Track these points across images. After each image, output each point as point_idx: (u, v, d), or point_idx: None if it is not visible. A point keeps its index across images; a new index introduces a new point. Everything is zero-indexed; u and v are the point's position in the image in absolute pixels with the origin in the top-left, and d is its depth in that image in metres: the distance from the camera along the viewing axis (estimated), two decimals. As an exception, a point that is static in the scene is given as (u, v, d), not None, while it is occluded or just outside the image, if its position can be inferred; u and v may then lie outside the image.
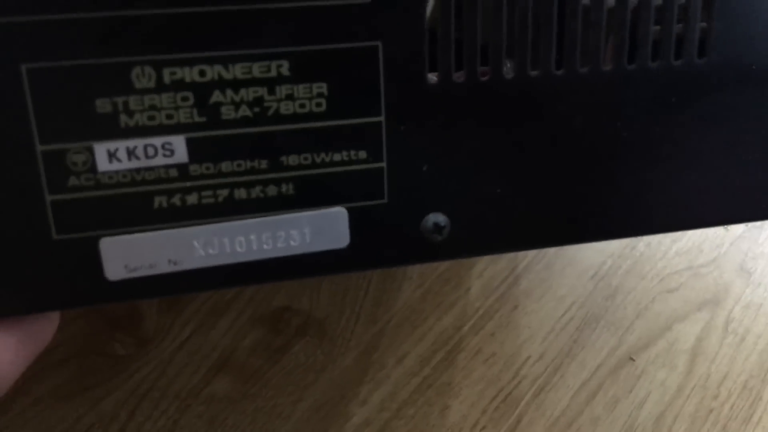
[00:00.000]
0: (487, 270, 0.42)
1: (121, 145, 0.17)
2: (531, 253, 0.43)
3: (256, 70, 0.17)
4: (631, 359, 0.42)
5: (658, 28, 0.19)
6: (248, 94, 0.17)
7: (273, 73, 0.17)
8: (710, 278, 0.45)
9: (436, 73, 0.18)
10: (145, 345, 0.36)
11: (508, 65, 0.19)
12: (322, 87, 0.17)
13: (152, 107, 0.17)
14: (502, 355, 0.41)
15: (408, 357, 0.39)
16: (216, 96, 0.17)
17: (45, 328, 0.19)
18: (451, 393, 0.40)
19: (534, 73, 0.19)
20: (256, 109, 0.17)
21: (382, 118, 0.18)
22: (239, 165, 0.18)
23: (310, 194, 0.18)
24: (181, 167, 0.17)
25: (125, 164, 0.17)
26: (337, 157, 0.18)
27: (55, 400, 0.35)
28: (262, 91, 0.17)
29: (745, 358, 0.44)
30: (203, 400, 0.36)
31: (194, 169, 0.17)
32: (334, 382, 0.38)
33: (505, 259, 0.43)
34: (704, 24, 0.19)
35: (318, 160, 0.18)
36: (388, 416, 0.38)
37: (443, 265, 0.41)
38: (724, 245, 0.46)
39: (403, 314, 0.40)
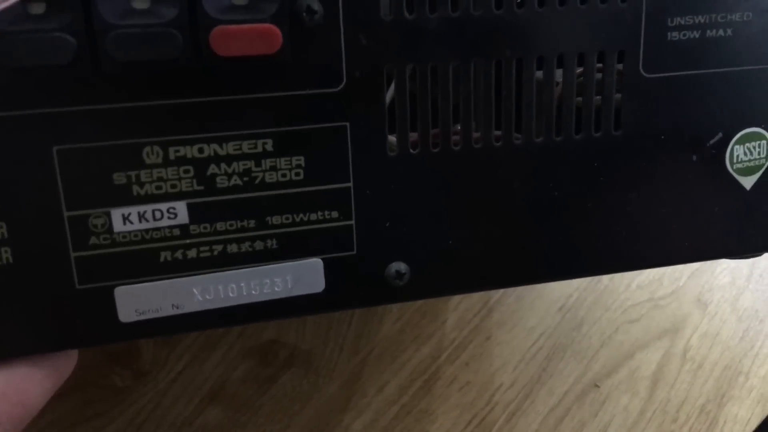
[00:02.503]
0: (462, 303, 0.43)
1: (133, 210, 0.20)
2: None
3: (246, 146, 0.20)
4: (596, 386, 0.44)
5: (579, 99, 0.23)
6: (239, 166, 0.20)
7: (259, 149, 0.20)
8: (669, 309, 0.47)
9: (395, 141, 0.22)
10: (141, 377, 0.38)
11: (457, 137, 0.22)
12: (301, 159, 0.21)
13: (159, 179, 0.20)
14: (476, 383, 0.42)
15: (388, 386, 0.41)
16: (212, 168, 0.20)
17: (66, 363, 0.22)
18: (429, 419, 0.41)
19: (476, 145, 0.22)
20: (246, 179, 0.20)
21: (351, 184, 0.21)
22: (231, 224, 0.21)
23: (291, 248, 0.21)
24: (183, 227, 0.20)
25: (137, 226, 0.20)
26: (313, 216, 0.21)
27: (58, 430, 0.36)
28: (250, 163, 0.20)
29: (702, 384, 0.45)
30: (197, 428, 0.38)
31: (194, 228, 0.21)
32: (320, 410, 0.40)
33: (478, 293, 0.44)
34: (618, 96, 0.23)
35: (297, 219, 0.21)
36: (370, 442, 0.40)
37: (420, 300, 0.43)
38: (683, 278, 0.47)
39: (384, 346, 0.41)
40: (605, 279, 0.47)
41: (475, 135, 0.22)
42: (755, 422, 0.46)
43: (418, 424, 0.41)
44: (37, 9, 0.17)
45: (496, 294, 0.44)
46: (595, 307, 0.46)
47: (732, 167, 0.24)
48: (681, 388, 0.45)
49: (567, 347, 0.44)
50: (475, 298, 0.44)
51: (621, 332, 0.45)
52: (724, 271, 0.49)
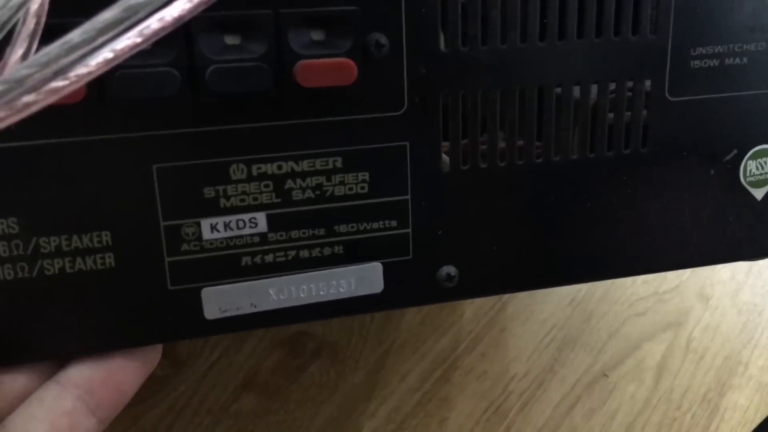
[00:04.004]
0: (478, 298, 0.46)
1: (220, 220, 0.22)
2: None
3: (318, 164, 0.23)
4: (605, 375, 0.46)
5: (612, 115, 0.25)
6: (312, 181, 0.23)
7: (330, 166, 0.23)
8: (673, 303, 0.49)
9: (448, 159, 0.24)
10: (179, 367, 0.39)
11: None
12: (366, 175, 0.23)
13: (243, 192, 0.22)
14: (492, 373, 0.44)
15: (410, 375, 0.43)
16: (289, 183, 0.23)
17: (154, 355, 0.24)
18: (449, 406, 0.43)
19: (519, 161, 0.24)
20: (317, 192, 0.23)
21: (408, 197, 0.24)
22: (304, 233, 0.23)
23: (355, 253, 0.24)
24: (262, 235, 0.23)
25: (222, 234, 0.22)
26: (375, 225, 0.24)
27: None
28: (322, 179, 0.23)
29: (704, 374, 0.48)
30: (232, 414, 0.40)
31: (272, 236, 0.23)
32: (346, 398, 0.41)
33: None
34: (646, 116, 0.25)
35: (361, 227, 0.24)
36: (394, 428, 0.42)
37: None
38: (686, 273, 0.49)
39: (405, 337, 0.43)
40: (613, 274, 0.48)
41: (519, 143, 0.24)
42: (754, 410, 0.48)
43: (438, 411, 0.43)
44: (144, 45, 0.20)
45: (511, 289, 0.46)
46: (603, 301, 0.47)
47: (745, 180, 0.26)
48: (684, 378, 0.47)
49: (577, 339, 0.46)
50: (491, 292, 0.46)
51: (628, 325, 0.47)
52: (724, 266, 0.50)
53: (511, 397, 0.44)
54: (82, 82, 0.16)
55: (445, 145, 0.24)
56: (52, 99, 0.16)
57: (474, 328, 0.44)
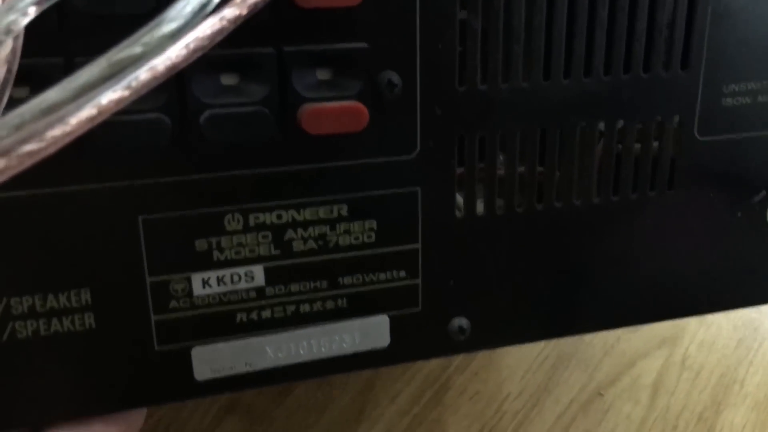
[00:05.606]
0: (471, 314, 0.45)
1: (213, 275, 0.20)
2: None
3: (322, 212, 0.21)
4: (600, 394, 0.45)
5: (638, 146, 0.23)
6: (315, 231, 0.21)
7: (335, 214, 0.21)
8: None
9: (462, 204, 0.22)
10: None
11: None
12: (373, 223, 0.21)
13: (239, 244, 0.20)
14: (485, 393, 0.43)
15: (400, 396, 0.41)
16: (289, 233, 0.21)
17: (137, 418, 0.22)
18: (440, 429, 0.42)
19: (539, 206, 0.23)
20: (320, 242, 0.21)
21: (419, 245, 0.22)
22: (305, 285, 0.21)
23: (360, 306, 0.22)
24: (259, 290, 0.21)
25: (215, 289, 0.20)
26: (382, 276, 0.22)
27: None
28: (325, 228, 0.21)
29: (700, 392, 0.47)
30: None
31: (269, 290, 0.21)
32: (334, 421, 0.40)
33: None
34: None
35: (367, 279, 0.22)
36: (384, 452, 0.40)
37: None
38: None
39: None
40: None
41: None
42: (750, 429, 0.48)
43: (430, 434, 0.41)
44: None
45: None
46: (598, 317, 0.47)
47: (773, 222, 0.25)
48: (680, 396, 0.47)
49: (572, 356, 0.45)
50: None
51: (623, 341, 0.46)
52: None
53: (504, 418, 0.43)
54: (61, 144, 0.14)
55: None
56: (25, 165, 0.14)
57: (466, 346, 0.43)
